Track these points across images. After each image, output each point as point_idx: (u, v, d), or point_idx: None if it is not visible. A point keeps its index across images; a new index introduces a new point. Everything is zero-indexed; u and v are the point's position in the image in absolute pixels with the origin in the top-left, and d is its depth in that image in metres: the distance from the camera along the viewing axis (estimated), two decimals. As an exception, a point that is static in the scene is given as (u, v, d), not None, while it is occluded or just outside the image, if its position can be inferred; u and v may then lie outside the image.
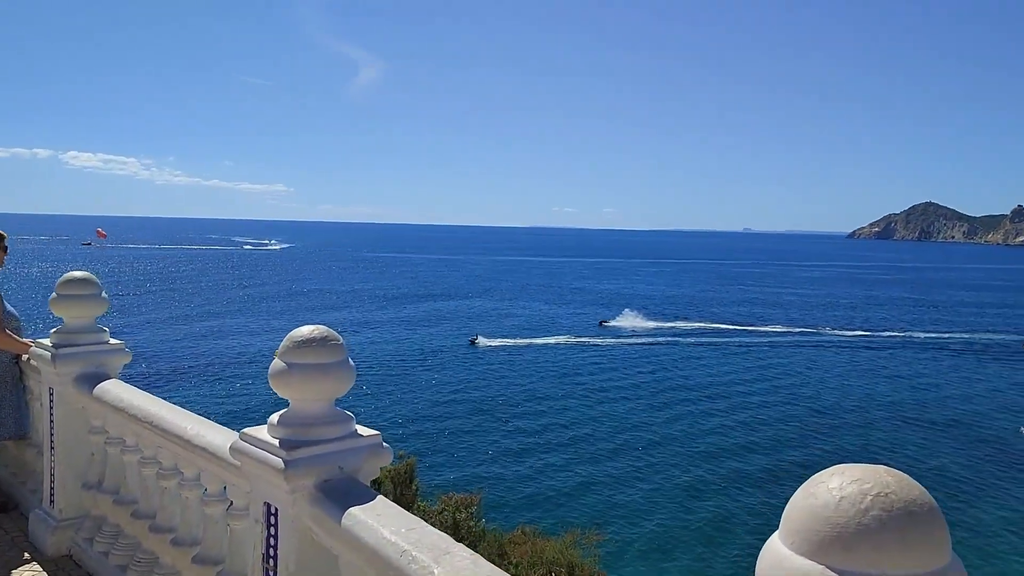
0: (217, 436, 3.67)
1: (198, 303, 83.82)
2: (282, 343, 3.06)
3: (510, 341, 64.50)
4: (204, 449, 3.65)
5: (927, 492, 1.40)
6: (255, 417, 33.88)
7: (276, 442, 2.96)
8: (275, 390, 3.05)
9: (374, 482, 3.29)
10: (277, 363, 3.02)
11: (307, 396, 3.01)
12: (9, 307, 5.78)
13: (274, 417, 3.07)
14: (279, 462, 2.88)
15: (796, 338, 70.29)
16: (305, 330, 3.06)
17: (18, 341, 5.59)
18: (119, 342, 5.32)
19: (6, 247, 5.86)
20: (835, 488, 1.41)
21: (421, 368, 51.54)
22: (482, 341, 63.22)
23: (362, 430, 3.13)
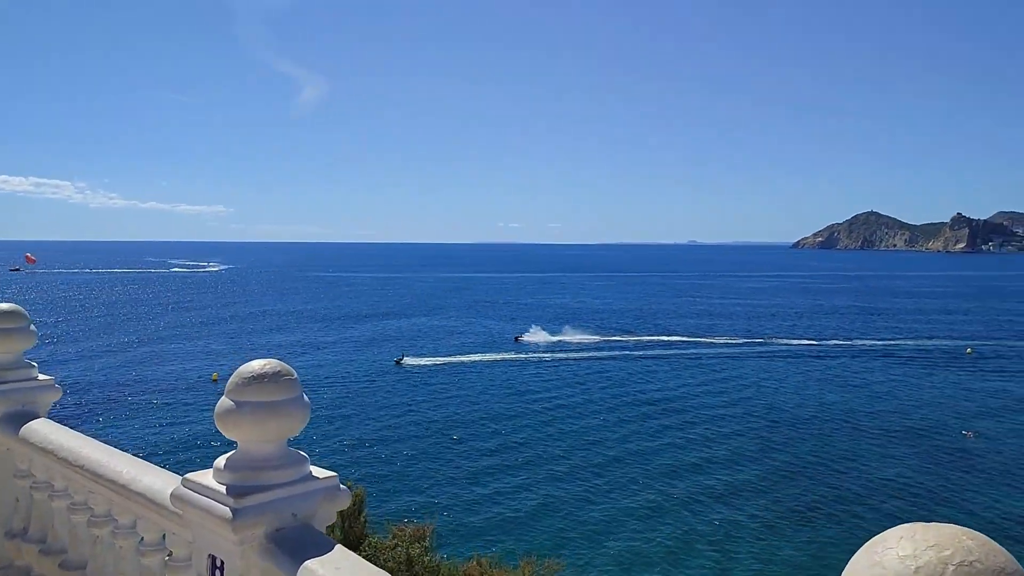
0: (156, 480, 3.42)
1: (133, 329, 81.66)
2: (230, 379, 2.85)
3: (452, 359, 64.21)
4: (141, 495, 3.39)
5: (1013, 558, 1.23)
6: (198, 454, 32.89)
7: (223, 488, 2.74)
8: (222, 431, 2.83)
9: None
10: (225, 402, 2.80)
11: (257, 437, 2.79)
12: None
13: (220, 460, 2.85)
14: (226, 511, 2.66)
15: (746, 348, 71.52)
16: (255, 365, 2.85)
17: None
18: (48, 378, 5.00)
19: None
20: (908, 557, 1.23)
21: (362, 391, 50.99)
22: (412, 360, 62.74)
23: (316, 471, 2.93)
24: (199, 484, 2.82)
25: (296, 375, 2.92)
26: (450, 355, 66.01)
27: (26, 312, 4.96)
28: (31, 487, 4.47)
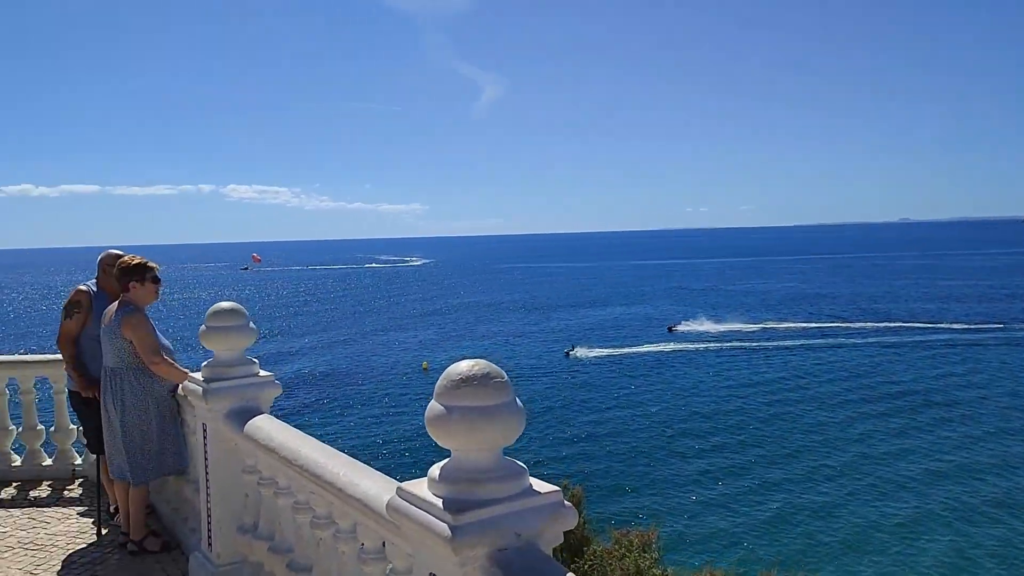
0: (372, 486, 3.32)
1: (345, 320, 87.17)
2: (439, 382, 2.66)
3: (638, 349, 62.94)
4: (359, 501, 3.31)
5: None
6: (410, 454, 34.02)
7: (439, 502, 2.55)
8: (434, 438, 2.65)
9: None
10: (435, 407, 2.61)
11: (471, 445, 2.58)
12: (164, 339, 5.77)
13: (435, 470, 2.67)
14: (443, 528, 2.47)
15: (985, 334, 64.59)
16: (463, 367, 2.64)
17: (178, 370, 5.56)
18: (268, 374, 5.15)
19: (159, 279, 5.84)
20: None
21: (567, 383, 51.00)
22: (596, 352, 61.74)
23: (538, 485, 2.68)
24: (414, 495, 2.66)
25: (506, 377, 2.68)
26: (635, 345, 64.97)
27: (245, 310, 5.12)
28: (258, 483, 4.60)
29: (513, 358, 58.25)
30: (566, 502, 2.69)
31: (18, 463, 7.51)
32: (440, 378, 2.65)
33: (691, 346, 63.65)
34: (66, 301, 6.17)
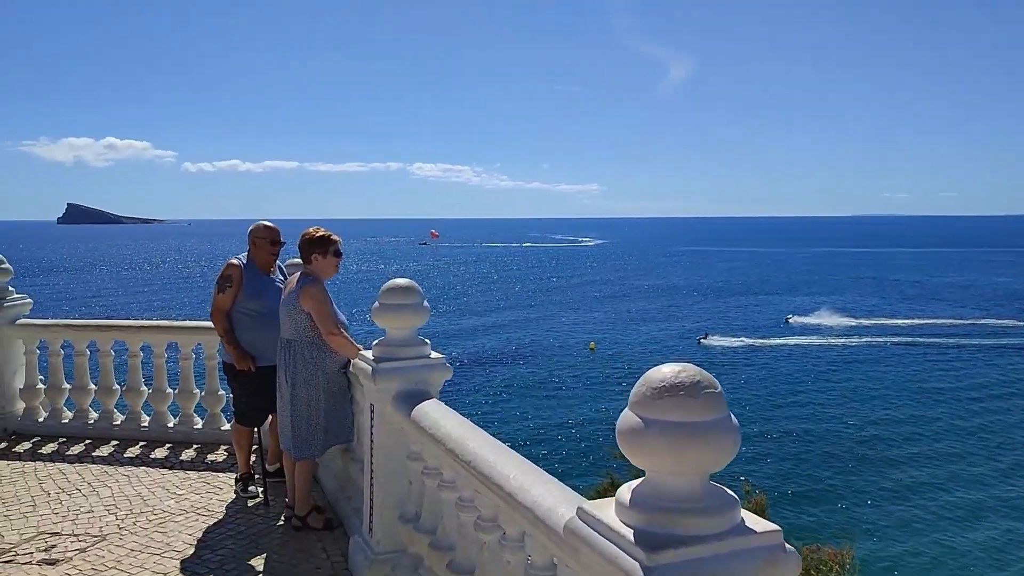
0: (547, 495, 2.95)
1: (516, 298, 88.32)
2: (635, 388, 2.23)
3: (818, 340, 59.37)
4: (529, 510, 2.95)
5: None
6: (577, 445, 33.49)
7: (629, 533, 2.13)
8: (627, 455, 2.23)
9: None
10: (629, 418, 2.19)
11: (672, 468, 2.14)
12: (340, 314, 5.69)
13: (625, 492, 2.25)
14: (634, 567, 2.05)
15: None
16: (667, 372, 2.19)
17: (352, 345, 5.46)
18: (440, 356, 4.92)
19: (340, 252, 5.77)
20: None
21: (749, 371, 48.94)
22: (795, 336, 58.72)
23: (752, 520, 2.21)
24: (599, 521, 2.25)
25: (719, 387, 2.21)
26: (820, 335, 61.40)
27: (420, 288, 4.90)
28: (423, 472, 4.38)
29: (690, 347, 56.82)
30: (787, 545, 2.20)
31: (199, 426, 7.81)
32: (637, 384, 2.23)
33: (879, 340, 59.57)
34: (219, 275, 6.25)
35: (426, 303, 4.94)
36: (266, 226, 6.32)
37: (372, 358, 4.85)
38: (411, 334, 4.92)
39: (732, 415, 2.20)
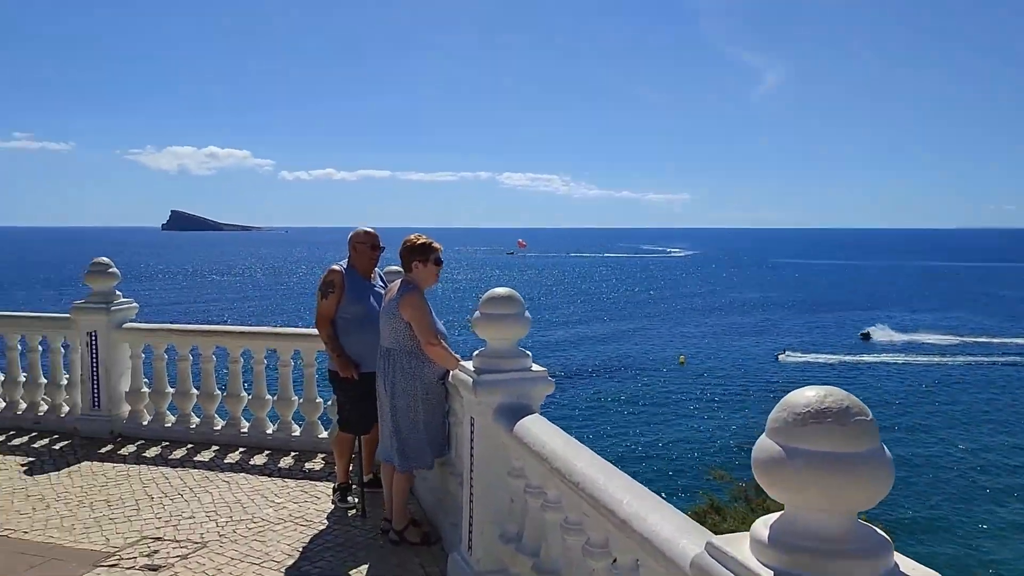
0: (664, 525, 2.79)
1: (605, 310, 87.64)
2: (774, 413, 2.05)
3: (950, 360, 56.64)
4: (646, 540, 2.79)
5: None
6: (672, 464, 32.77)
7: (767, 574, 1.95)
8: (765, 488, 2.05)
9: None
10: (768, 447, 2.01)
11: (818, 504, 1.95)
12: (439, 324, 5.64)
13: (761, 528, 2.07)
14: (779, 616, 1.87)
15: None
16: (811, 395, 2.01)
17: (452, 356, 5.40)
18: (542, 369, 4.80)
19: (441, 260, 5.72)
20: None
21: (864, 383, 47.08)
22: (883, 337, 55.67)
23: (907, 565, 2.00)
24: (732, 558, 2.08)
25: (871, 414, 2.01)
26: (912, 353, 58.65)
27: (521, 298, 4.80)
28: (525, 490, 4.26)
29: (780, 365, 55.20)
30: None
31: (297, 433, 7.89)
32: (776, 408, 2.05)
33: (986, 360, 56.61)
34: (320, 281, 6.29)
35: (527, 314, 4.83)
36: (366, 231, 6.35)
37: (472, 369, 4.77)
38: (512, 345, 4.81)
39: (885, 447, 2.00)
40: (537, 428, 4.18)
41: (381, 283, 6.46)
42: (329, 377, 6.46)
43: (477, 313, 4.78)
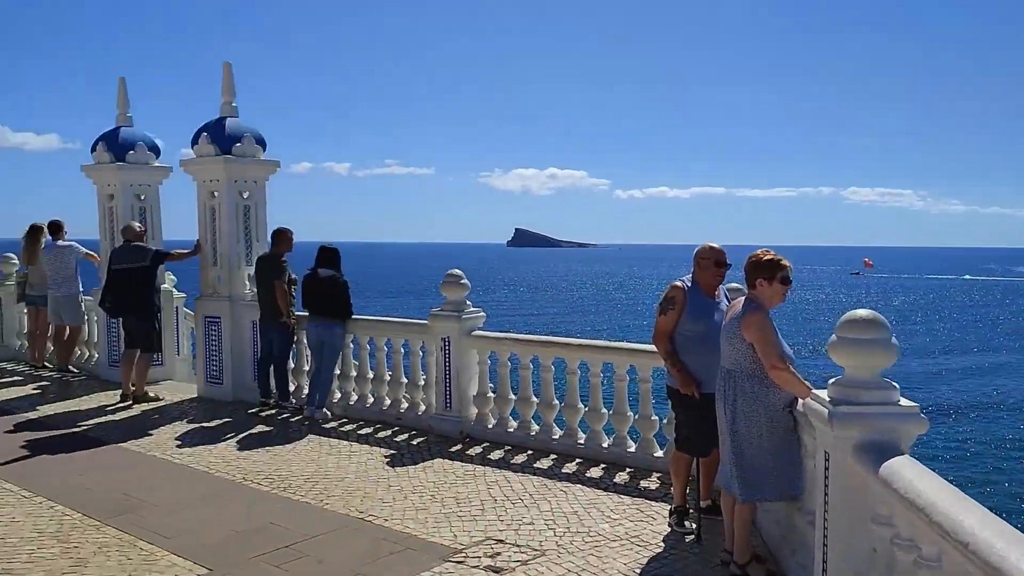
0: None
1: (968, 340, 77.95)
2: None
3: None
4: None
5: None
6: None
7: None
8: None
9: None
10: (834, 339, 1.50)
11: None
12: (786, 346, 5.25)
13: None
14: None
15: None
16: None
17: (801, 382, 4.98)
18: (912, 404, 4.21)
19: (789, 279, 5.33)
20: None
21: None
22: None
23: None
24: None
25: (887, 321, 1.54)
26: None
27: (887, 322, 4.25)
28: (892, 541, 3.75)
29: None
30: None
31: (632, 449, 7.85)
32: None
33: None
34: (661, 297, 6.16)
35: (894, 339, 4.28)
36: (711, 247, 6.14)
37: (827, 399, 4.33)
38: (875, 375, 4.29)
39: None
40: (910, 472, 3.65)
41: (726, 301, 6.20)
42: (667, 393, 6.33)
43: (834, 337, 4.33)
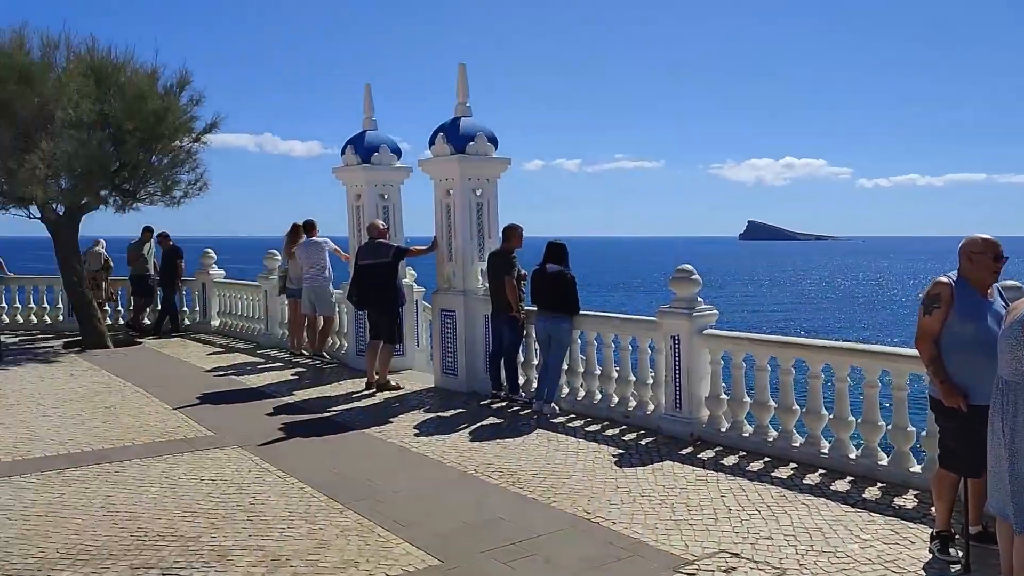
0: None
1: None
2: None
3: None
4: None
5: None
6: None
7: None
8: None
9: None
10: None
11: None
12: None
13: None
14: None
15: None
16: None
17: None
18: None
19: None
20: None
21: None
22: None
23: None
24: None
25: None
26: None
27: None
28: None
29: None
30: None
31: (884, 463, 7.12)
32: None
33: None
34: (924, 294, 5.42)
35: None
36: (984, 239, 5.34)
37: None
38: None
39: None
40: None
41: (1001, 301, 5.40)
42: (930, 405, 5.64)
43: None
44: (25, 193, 14.47)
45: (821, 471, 7.33)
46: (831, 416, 7.58)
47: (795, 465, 7.53)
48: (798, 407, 7.93)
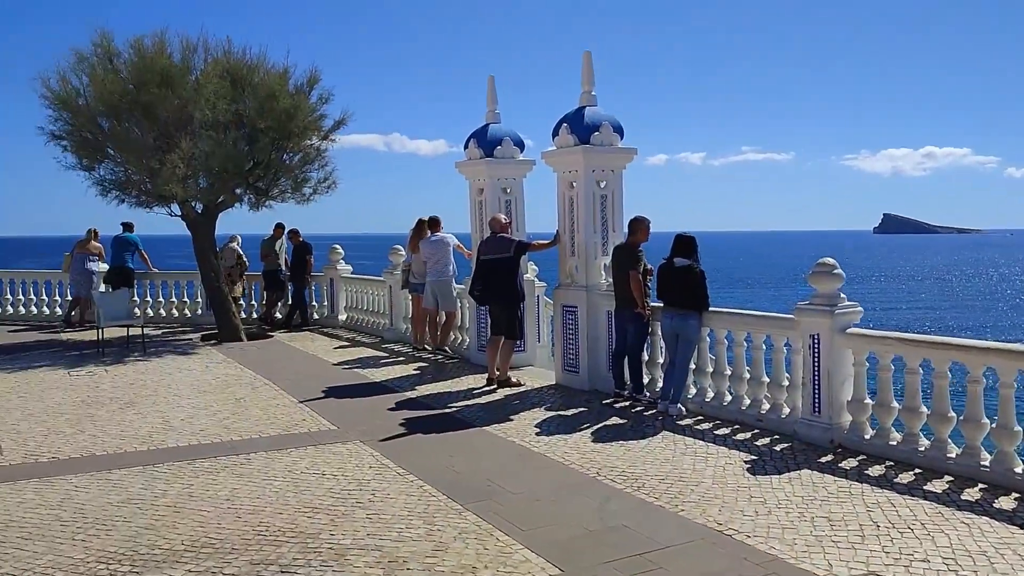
0: None
1: None
2: None
3: None
4: None
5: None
6: None
7: None
8: None
9: None
10: None
11: None
12: None
13: None
14: None
15: None
16: None
17: None
18: None
19: None
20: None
21: None
22: None
23: None
24: None
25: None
26: None
27: None
28: None
29: None
30: None
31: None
32: None
33: None
34: None
35: None
36: None
37: None
38: None
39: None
40: None
41: None
42: None
43: None
44: (166, 192, 15.07)
45: (982, 486, 6.62)
46: (993, 425, 6.85)
47: (951, 478, 6.83)
48: (954, 414, 7.21)
